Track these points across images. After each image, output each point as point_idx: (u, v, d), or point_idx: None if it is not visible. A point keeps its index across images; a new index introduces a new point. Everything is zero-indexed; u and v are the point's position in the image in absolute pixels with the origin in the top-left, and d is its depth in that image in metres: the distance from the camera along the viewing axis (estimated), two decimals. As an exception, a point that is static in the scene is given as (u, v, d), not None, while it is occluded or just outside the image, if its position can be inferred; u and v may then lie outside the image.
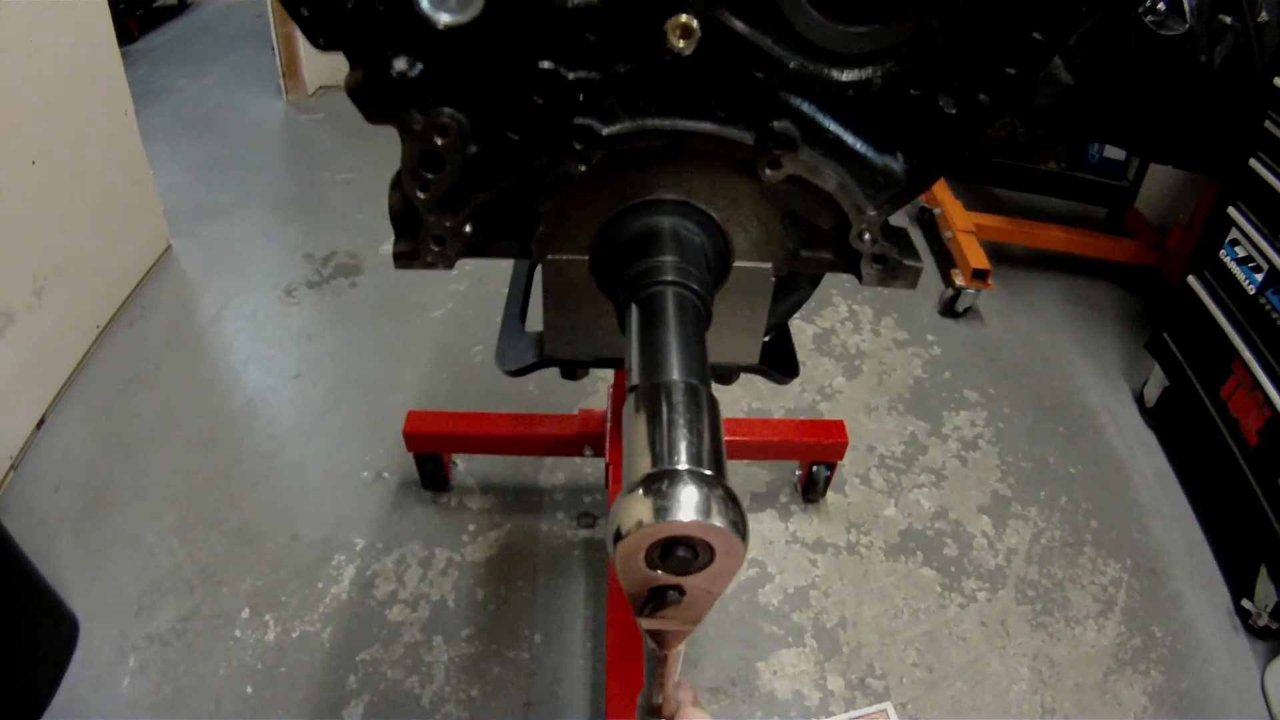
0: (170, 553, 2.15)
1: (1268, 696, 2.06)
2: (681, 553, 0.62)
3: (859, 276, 0.95)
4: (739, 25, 0.78)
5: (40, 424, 2.46)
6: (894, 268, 0.94)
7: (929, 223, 3.61)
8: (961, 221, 3.24)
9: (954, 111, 0.84)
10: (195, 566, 2.12)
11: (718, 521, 0.60)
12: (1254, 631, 2.19)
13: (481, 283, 3.04)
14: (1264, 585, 2.15)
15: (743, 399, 2.68)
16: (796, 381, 2.74)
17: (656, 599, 0.66)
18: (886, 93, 0.83)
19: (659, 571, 0.64)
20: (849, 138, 0.86)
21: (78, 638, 1.96)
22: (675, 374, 0.73)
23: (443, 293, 3.03)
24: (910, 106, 0.84)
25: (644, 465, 0.64)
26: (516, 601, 2.09)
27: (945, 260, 3.32)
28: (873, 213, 0.89)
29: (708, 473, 0.63)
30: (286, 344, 2.83)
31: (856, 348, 2.97)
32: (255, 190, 3.73)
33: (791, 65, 0.80)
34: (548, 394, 2.56)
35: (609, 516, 0.63)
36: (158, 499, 2.28)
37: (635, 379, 0.75)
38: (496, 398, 2.51)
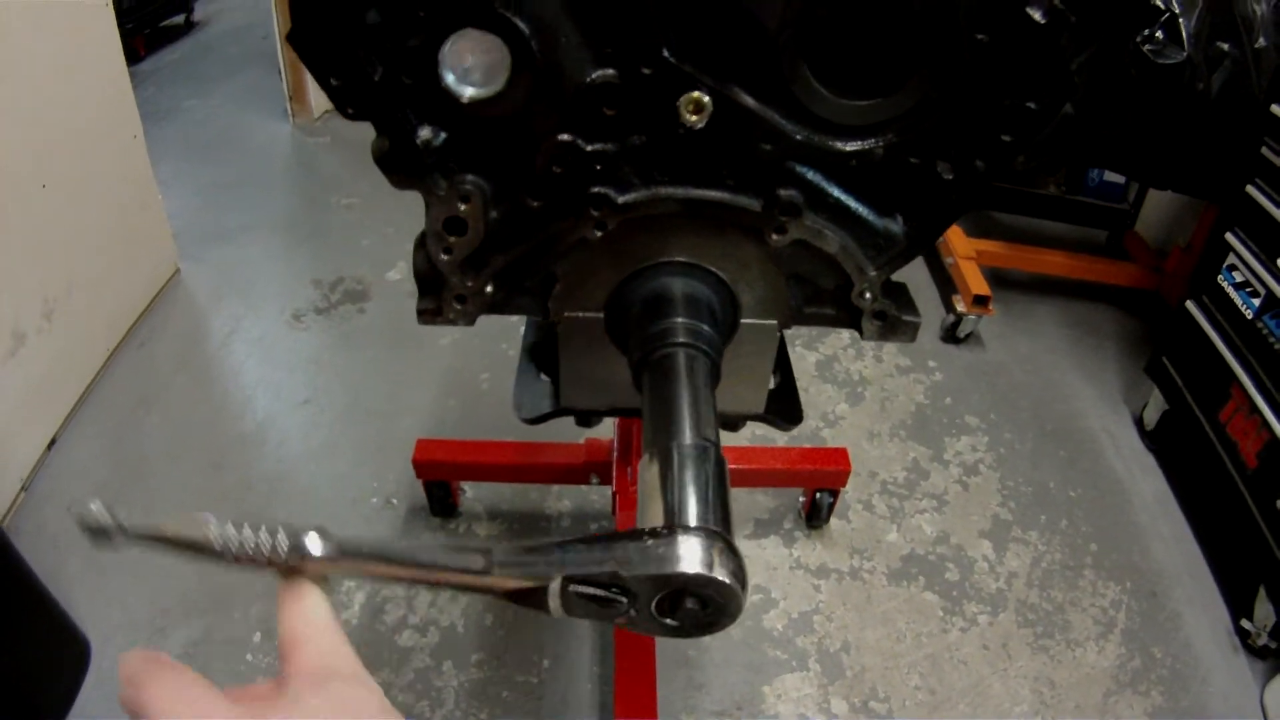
0: (182, 577, 2.16)
1: (1267, 715, 2.08)
2: (690, 604, 0.65)
3: (860, 332, 0.99)
4: (748, 100, 0.82)
5: (51, 445, 2.49)
6: (893, 324, 0.98)
7: (930, 249, 3.62)
8: (962, 248, 3.27)
9: (951, 177, 0.88)
10: (206, 590, 2.14)
11: (720, 574, 0.64)
12: (1253, 651, 2.21)
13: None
14: (1263, 605, 2.17)
15: (749, 427, 2.68)
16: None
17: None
18: (887, 161, 0.87)
19: (669, 620, 0.68)
20: (851, 203, 0.90)
21: (90, 660, 1.97)
22: (686, 435, 0.77)
23: (450, 318, 3.05)
24: (910, 173, 0.88)
25: (656, 520, 0.68)
26: (525, 627, 2.11)
27: (946, 286, 3.36)
28: (874, 273, 0.93)
29: (714, 529, 0.67)
30: (295, 369, 2.86)
31: (859, 374, 3.00)
32: (262, 214, 3.75)
33: (798, 137, 0.84)
34: (555, 422, 2.57)
35: None
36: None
37: (650, 437, 0.79)
38: (504, 425, 2.53)
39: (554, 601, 0.63)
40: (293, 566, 0.59)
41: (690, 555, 0.64)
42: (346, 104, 0.84)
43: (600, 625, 2.11)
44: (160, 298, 3.13)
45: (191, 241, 3.38)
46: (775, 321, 1.00)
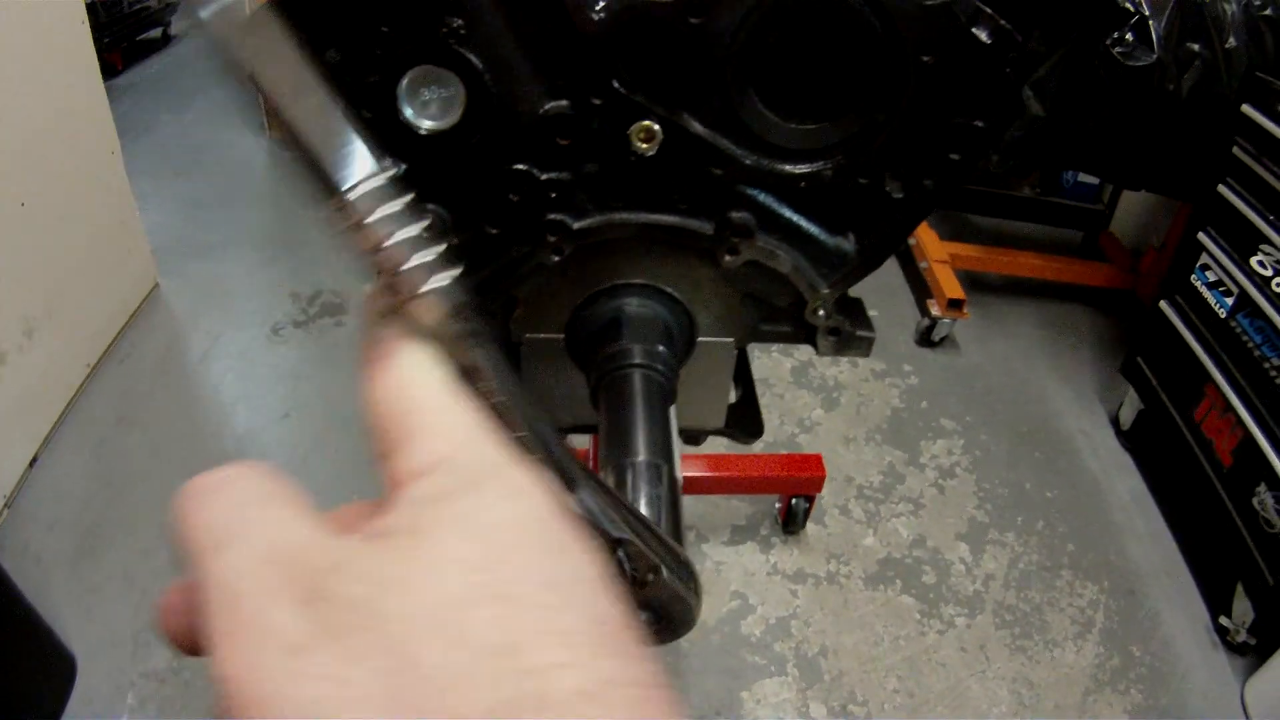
0: (165, 590, 2.17)
1: (1248, 711, 2.10)
2: (644, 616, 0.67)
3: (816, 348, 1.01)
4: (698, 128, 0.84)
5: (33, 462, 2.49)
6: (848, 339, 1.00)
7: (904, 253, 3.64)
8: (936, 252, 3.29)
9: (901, 196, 0.89)
10: (190, 605, 2.15)
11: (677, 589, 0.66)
12: (1233, 648, 2.24)
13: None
14: (1241, 602, 2.19)
15: (724, 433, 2.72)
16: (776, 414, 2.80)
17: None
18: (837, 181, 0.88)
19: None
20: (803, 223, 0.92)
21: (76, 675, 1.98)
22: (640, 454, 0.79)
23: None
24: (859, 193, 0.90)
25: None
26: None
27: (921, 290, 3.38)
28: (826, 290, 0.95)
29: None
30: (274, 383, 2.87)
31: (834, 380, 3.02)
32: (240, 228, 3.77)
33: (748, 162, 0.86)
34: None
35: None
36: (151, 536, 2.31)
37: (605, 456, 0.81)
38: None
39: None
40: (406, 299, 0.37)
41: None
42: (308, 138, 0.85)
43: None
44: (140, 313, 3.13)
45: (170, 257, 3.38)
46: (732, 339, 1.02)
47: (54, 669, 1.96)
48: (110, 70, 4.95)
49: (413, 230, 0.37)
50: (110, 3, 4.91)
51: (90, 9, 2.96)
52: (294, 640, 0.26)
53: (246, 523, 0.31)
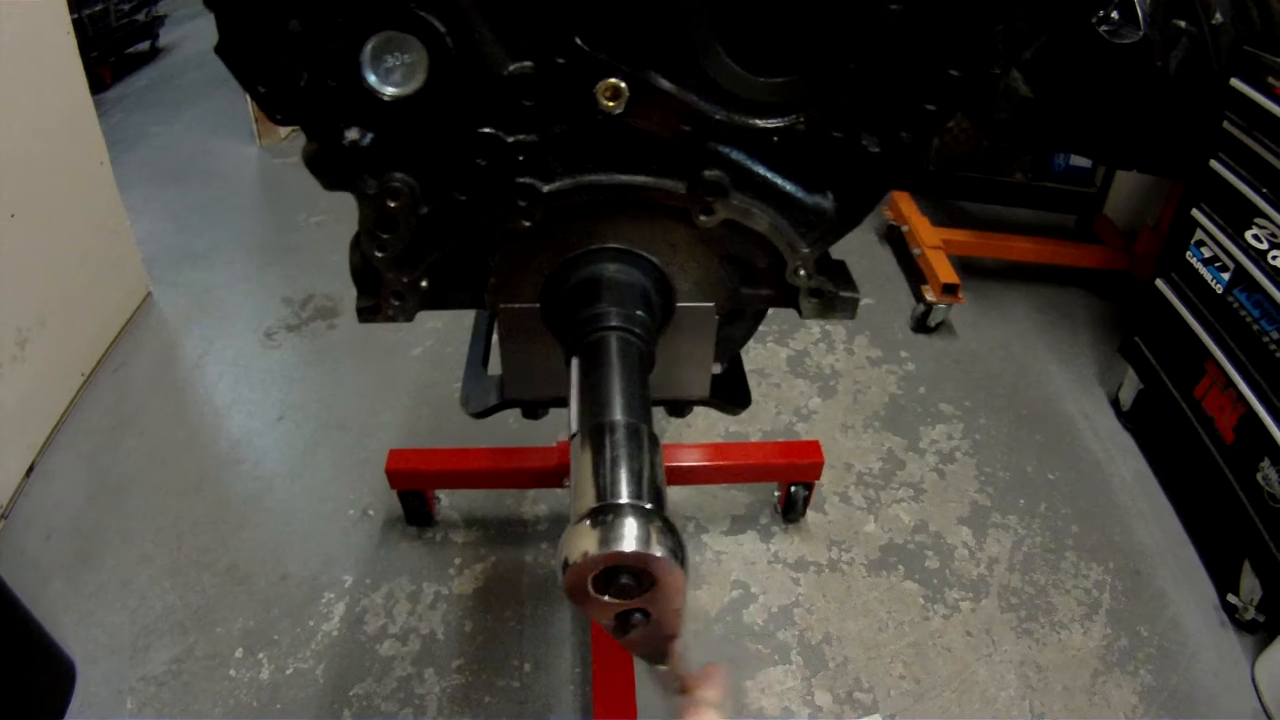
0: (163, 595, 2.17)
1: (1259, 689, 2.08)
2: (624, 579, 0.66)
3: (799, 310, 0.99)
4: (664, 84, 0.82)
5: (30, 471, 2.48)
6: (831, 300, 0.98)
7: (898, 240, 3.65)
8: (929, 238, 3.28)
9: (878, 150, 0.88)
10: (188, 608, 2.14)
11: (657, 550, 0.64)
12: (1241, 625, 2.21)
13: (459, 319, 3.05)
14: (1248, 579, 2.17)
15: (719, 423, 2.70)
16: (773, 403, 2.79)
17: (623, 624, 0.71)
18: (811, 136, 0.87)
19: (607, 597, 0.68)
20: (778, 180, 0.90)
21: (75, 682, 1.98)
22: (618, 414, 0.77)
23: (420, 330, 3.07)
24: (835, 148, 0.88)
25: (589, 499, 0.69)
26: (505, 632, 2.11)
27: (915, 276, 3.37)
28: (806, 250, 0.93)
29: (648, 506, 0.67)
30: (269, 387, 2.86)
31: (831, 368, 3.00)
32: (232, 236, 3.76)
33: (717, 117, 0.85)
34: (527, 427, 2.56)
35: (558, 547, 0.68)
36: (148, 542, 2.30)
37: (580, 419, 0.79)
38: (477, 432, 2.51)
39: None
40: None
41: (628, 535, 0.64)
42: (275, 110, 0.85)
43: (579, 626, 2.11)
44: (133, 322, 3.13)
45: (163, 265, 3.39)
46: (712, 304, 1.01)
47: (53, 674, 1.96)
48: (99, 83, 4.97)
49: None
50: (97, 16, 4.93)
51: (77, 23, 2.97)
52: None
53: None
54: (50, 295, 2.65)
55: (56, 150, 2.71)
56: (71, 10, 2.81)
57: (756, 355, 3.00)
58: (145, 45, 5.74)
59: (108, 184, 3.02)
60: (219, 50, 0.82)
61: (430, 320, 3.08)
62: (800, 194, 0.92)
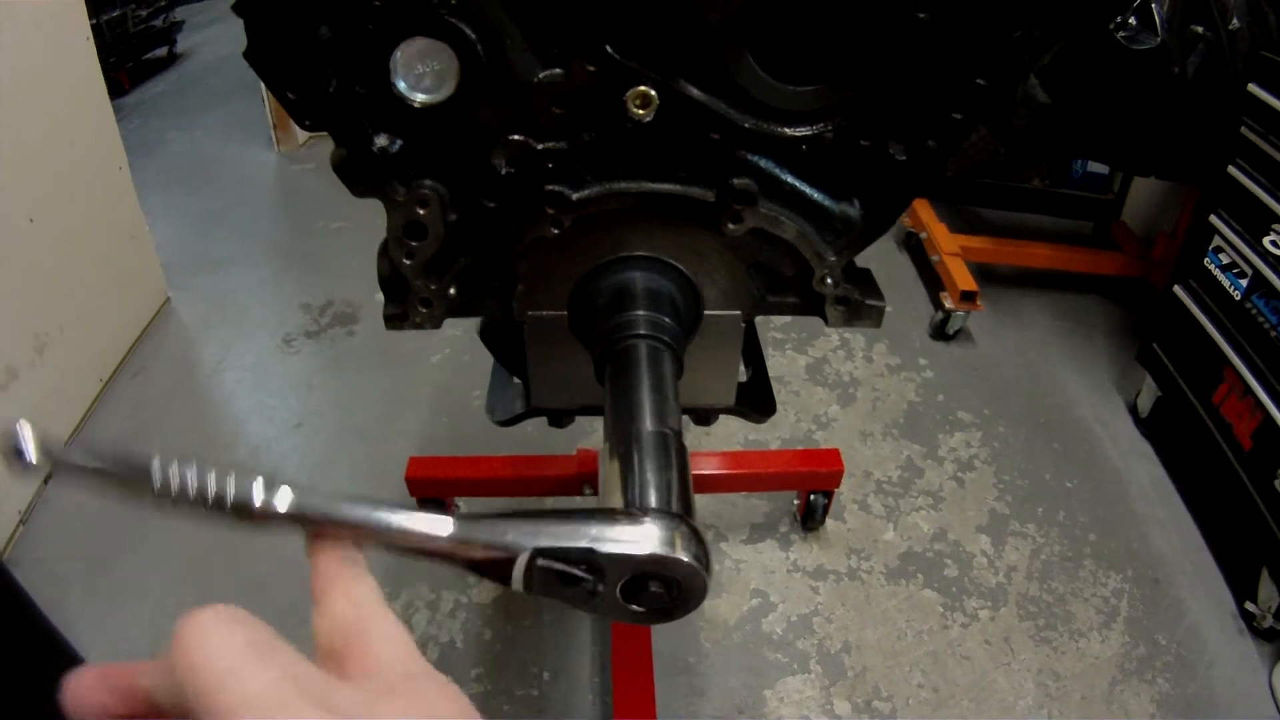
0: (180, 603, 2.16)
1: (1276, 696, 2.07)
2: (654, 588, 0.66)
3: (825, 319, 0.99)
4: (695, 92, 0.82)
5: (48, 479, 2.49)
6: (857, 308, 0.98)
7: (916, 247, 3.64)
8: (947, 245, 3.27)
9: (904, 158, 0.88)
10: (206, 612, 2.15)
11: (683, 555, 0.64)
12: (1259, 633, 2.20)
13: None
14: (1266, 587, 2.16)
15: (739, 431, 2.70)
16: (792, 411, 2.78)
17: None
18: (839, 144, 0.87)
19: (634, 607, 0.68)
20: (806, 188, 0.90)
21: (93, 689, 1.98)
22: (647, 423, 0.77)
23: (439, 338, 3.06)
24: (862, 155, 0.88)
25: (616, 506, 0.69)
26: (523, 640, 2.11)
27: (934, 284, 3.36)
28: (833, 258, 0.93)
29: (676, 513, 0.67)
30: (287, 394, 2.87)
31: (850, 375, 3.00)
32: (250, 241, 3.77)
33: (746, 125, 0.85)
34: (546, 434, 2.55)
35: None
36: (166, 550, 2.31)
37: (612, 427, 0.79)
38: (496, 439, 2.51)
39: (517, 572, 0.61)
40: (260, 517, 0.50)
41: (652, 536, 0.64)
42: (304, 116, 0.85)
43: (599, 634, 2.10)
44: (151, 328, 3.14)
45: (181, 271, 3.40)
46: (739, 312, 1.01)
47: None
48: (117, 89, 5.00)
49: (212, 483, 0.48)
50: (115, 22, 4.97)
51: (96, 29, 2.99)
52: None
53: (259, 654, 0.39)
54: (69, 301, 2.66)
55: (76, 155, 2.72)
56: (90, 16, 2.82)
57: (776, 363, 2.99)
58: (163, 51, 5.78)
59: (127, 189, 3.03)
60: (248, 55, 0.82)
61: (449, 328, 3.06)
62: (828, 202, 0.92)
